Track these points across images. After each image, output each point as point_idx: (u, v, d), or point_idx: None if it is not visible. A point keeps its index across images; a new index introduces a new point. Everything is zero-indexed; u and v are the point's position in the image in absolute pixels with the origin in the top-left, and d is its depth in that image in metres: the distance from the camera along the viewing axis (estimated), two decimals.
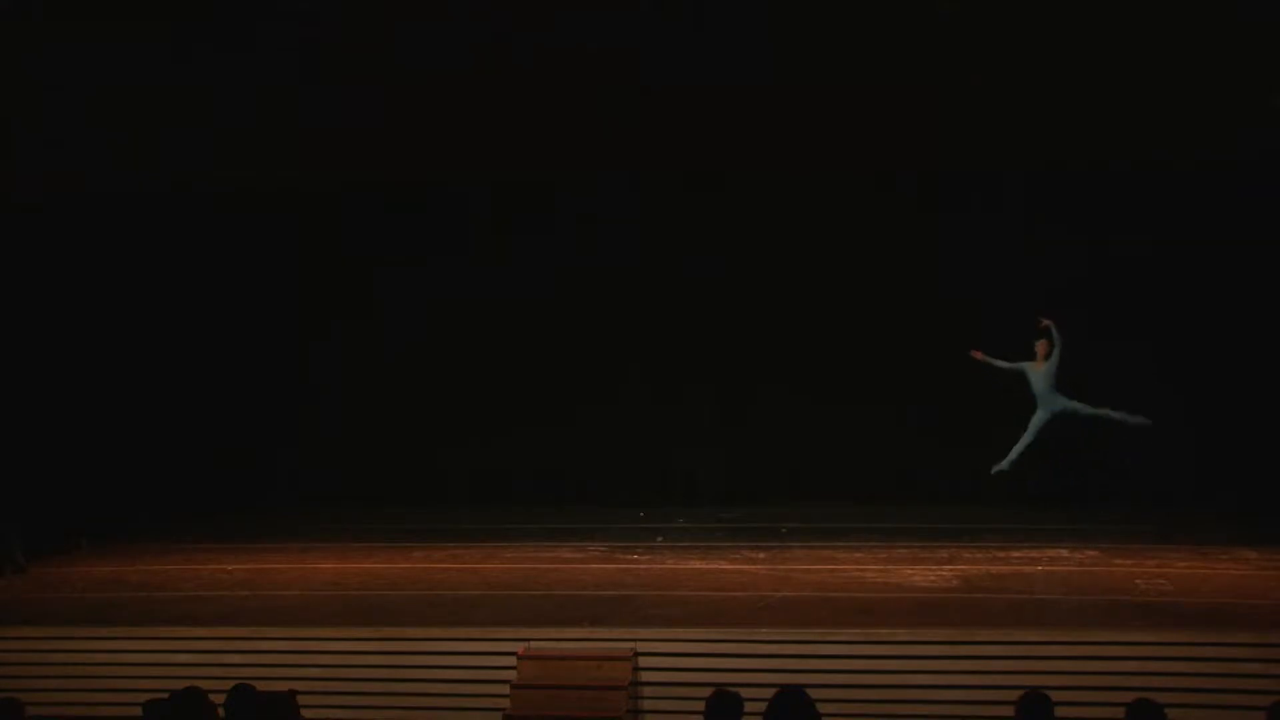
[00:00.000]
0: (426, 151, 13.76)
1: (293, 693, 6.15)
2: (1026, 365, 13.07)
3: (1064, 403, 13.01)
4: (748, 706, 5.50)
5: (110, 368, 15.18)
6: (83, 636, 9.79)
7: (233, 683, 6.06)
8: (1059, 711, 5.60)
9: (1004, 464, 13.11)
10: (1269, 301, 13.98)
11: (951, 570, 11.12)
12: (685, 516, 14.21)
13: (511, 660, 9.19)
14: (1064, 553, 11.75)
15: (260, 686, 6.15)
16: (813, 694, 5.32)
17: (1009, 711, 5.60)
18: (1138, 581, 10.58)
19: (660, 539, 12.98)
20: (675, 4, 11.96)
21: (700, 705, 5.52)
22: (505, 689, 9.05)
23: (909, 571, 11.08)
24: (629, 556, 12.16)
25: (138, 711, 6.06)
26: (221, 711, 5.88)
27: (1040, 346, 13.03)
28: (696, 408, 15.16)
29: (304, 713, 6.07)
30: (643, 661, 9.11)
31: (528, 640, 9.29)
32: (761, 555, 12.07)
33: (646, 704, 9.07)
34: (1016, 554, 11.77)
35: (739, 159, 13.83)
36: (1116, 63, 12.08)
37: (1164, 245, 14.06)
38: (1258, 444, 13.91)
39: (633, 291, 15.02)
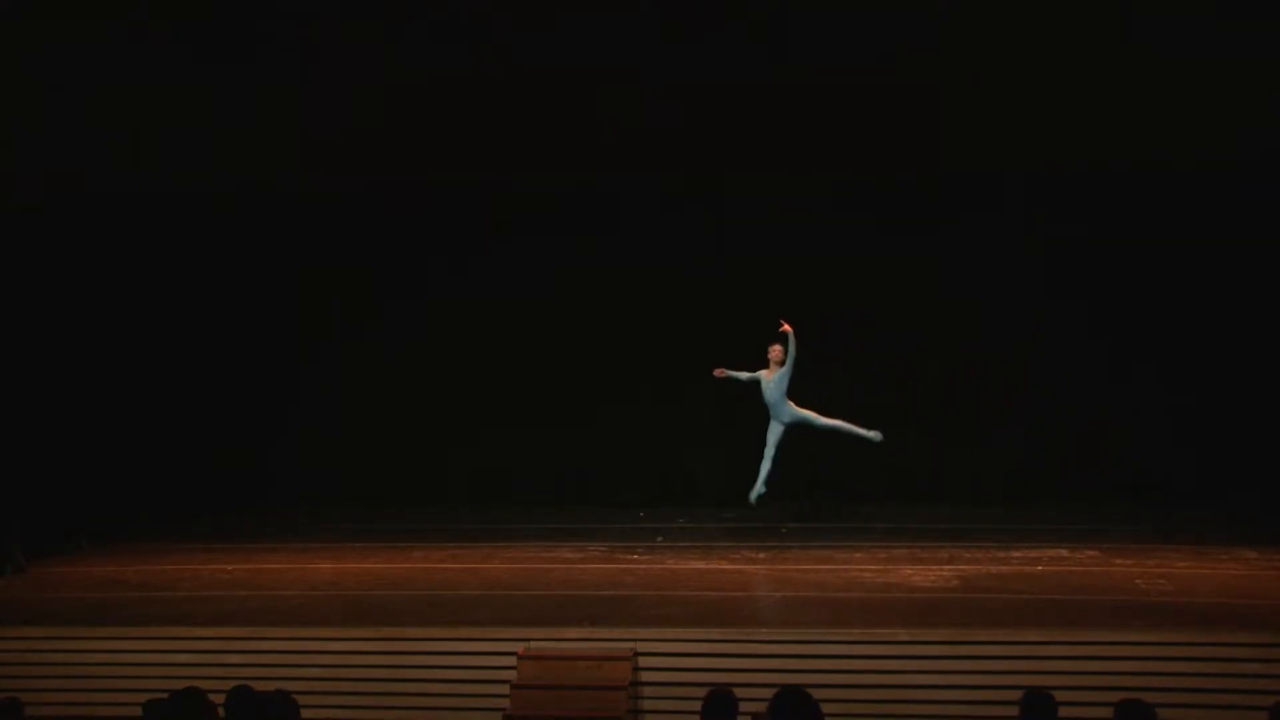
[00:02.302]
0: (426, 151, 13.76)
1: (280, 692, 6.12)
2: (761, 374, 12.83)
3: (795, 414, 12.75)
4: (748, 706, 5.50)
5: (110, 368, 15.17)
6: (83, 636, 9.78)
7: (233, 683, 6.06)
8: (1059, 712, 5.60)
9: (756, 491, 12.96)
10: (1269, 301, 13.98)
11: (951, 570, 11.11)
12: (685, 516, 14.20)
13: (511, 660, 9.18)
14: (1064, 553, 11.74)
15: (260, 687, 6.15)
16: (813, 694, 5.31)
17: (1009, 712, 5.60)
18: (1138, 581, 10.57)
19: (660, 539, 12.98)
20: (675, 6, 11.98)
21: (700, 705, 5.52)
22: (505, 689, 9.04)
23: (909, 571, 11.07)
24: (629, 556, 12.15)
25: (138, 711, 6.06)
26: (221, 711, 5.88)
27: (773, 351, 12.71)
28: (696, 408, 15.14)
29: (304, 713, 6.06)
30: (643, 661, 9.10)
31: (528, 640, 9.28)
32: (761, 555, 12.06)
33: (646, 704, 9.07)
34: (1016, 554, 11.75)
35: (739, 159, 13.83)
36: (1117, 63, 12.10)
37: (1164, 245, 14.05)
38: (1258, 444, 13.91)
39: (632, 292, 15.01)
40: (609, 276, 15.04)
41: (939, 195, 14.48)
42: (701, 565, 11.69)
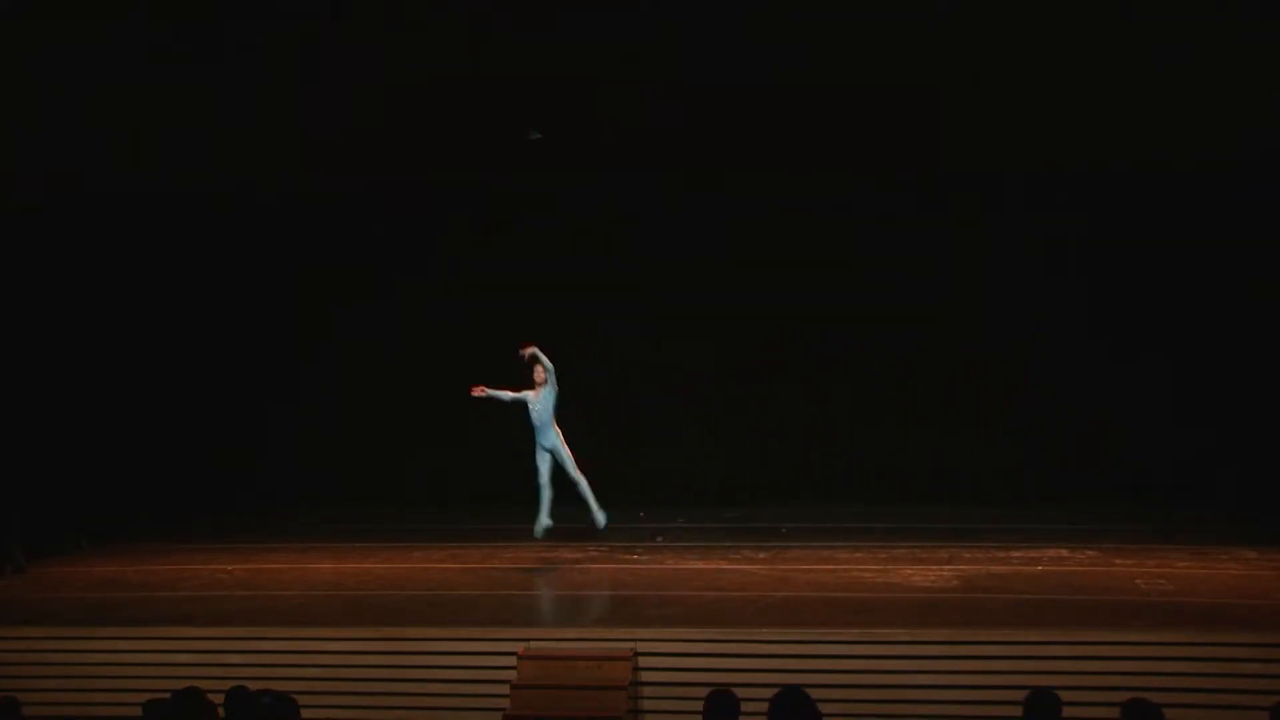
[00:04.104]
0: (426, 151, 13.75)
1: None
2: (527, 394, 11.61)
3: (557, 443, 11.58)
4: (747, 706, 5.49)
5: (111, 368, 15.18)
6: (83, 636, 9.79)
7: (232, 683, 6.07)
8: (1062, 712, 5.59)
9: (541, 525, 11.74)
10: (1269, 301, 13.97)
11: (951, 570, 11.11)
12: (685, 516, 14.20)
13: (511, 660, 9.19)
14: (1064, 553, 11.74)
15: (260, 686, 6.15)
16: (813, 694, 5.31)
17: (1009, 711, 5.60)
18: (1138, 581, 10.58)
19: (660, 539, 12.97)
20: (674, 5, 11.96)
21: (700, 705, 5.52)
22: (505, 689, 9.04)
23: (909, 571, 11.07)
24: (629, 556, 12.15)
25: (138, 711, 6.06)
26: (221, 711, 5.88)
27: (537, 373, 11.58)
28: (697, 407, 15.14)
29: (304, 713, 6.06)
30: (643, 661, 9.10)
31: (528, 640, 9.29)
32: (761, 555, 12.06)
33: (646, 704, 9.07)
34: (1016, 554, 11.75)
35: (739, 159, 13.83)
36: (1117, 63, 12.09)
37: (1164, 245, 14.05)
38: (1259, 444, 13.90)
39: (632, 291, 15.01)
40: (608, 276, 15.04)
41: (939, 195, 14.48)
42: (701, 565, 11.69)
